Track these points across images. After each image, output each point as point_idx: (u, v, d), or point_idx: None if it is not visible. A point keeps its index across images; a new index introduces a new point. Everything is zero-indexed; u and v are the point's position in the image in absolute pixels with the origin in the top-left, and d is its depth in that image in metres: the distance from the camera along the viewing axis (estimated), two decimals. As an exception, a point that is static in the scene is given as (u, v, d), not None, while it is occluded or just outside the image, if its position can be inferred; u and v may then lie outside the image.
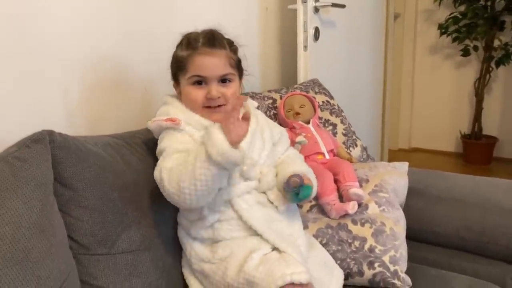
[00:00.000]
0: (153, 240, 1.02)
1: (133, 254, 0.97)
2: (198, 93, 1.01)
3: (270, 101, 1.57)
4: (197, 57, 1.00)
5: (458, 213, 1.35)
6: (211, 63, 1.00)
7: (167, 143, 0.99)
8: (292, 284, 0.85)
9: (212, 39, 1.01)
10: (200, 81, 1.01)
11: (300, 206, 1.22)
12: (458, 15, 3.48)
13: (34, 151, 0.83)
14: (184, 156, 0.92)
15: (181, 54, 1.02)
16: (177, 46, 1.05)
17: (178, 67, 1.03)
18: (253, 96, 1.54)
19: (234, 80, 1.05)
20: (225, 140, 0.86)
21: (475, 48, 3.53)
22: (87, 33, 1.21)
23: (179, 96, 1.07)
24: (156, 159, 1.05)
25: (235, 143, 0.87)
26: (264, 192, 1.05)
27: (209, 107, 1.02)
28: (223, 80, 1.03)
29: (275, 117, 1.54)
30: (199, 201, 0.92)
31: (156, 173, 0.96)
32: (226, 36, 1.07)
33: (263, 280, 0.87)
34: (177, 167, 0.91)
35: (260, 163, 1.04)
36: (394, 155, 3.59)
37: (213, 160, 0.86)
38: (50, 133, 0.88)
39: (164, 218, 1.05)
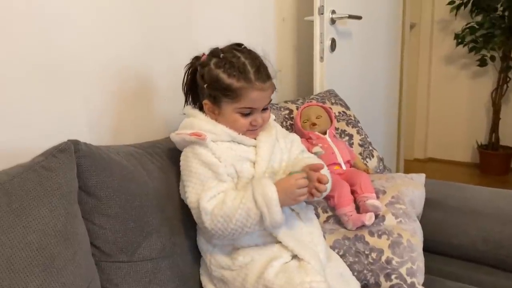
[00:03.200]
0: (172, 248, 1.03)
1: (153, 262, 0.99)
2: (245, 121, 1.05)
3: (287, 111, 1.59)
4: (253, 92, 1.02)
5: (475, 225, 1.34)
6: (264, 97, 1.05)
7: (196, 166, 1.01)
8: None
9: (264, 71, 1.04)
10: (249, 112, 1.05)
11: (317, 216, 1.23)
12: (475, 25, 3.46)
13: (60, 160, 0.86)
14: (231, 200, 0.97)
15: (232, 83, 1.01)
16: (219, 68, 1.03)
17: (226, 94, 1.03)
18: (270, 106, 1.55)
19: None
20: (281, 216, 0.96)
21: (492, 58, 3.50)
22: (108, 45, 1.24)
23: (209, 113, 1.08)
24: (176, 170, 1.08)
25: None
26: None
27: (250, 130, 1.07)
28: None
29: (292, 128, 1.55)
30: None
31: (192, 200, 1.00)
32: (258, 52, 1.09)
33: (282, 287, 0.88)
34: (224, 215, 0.96)
35: (280, 172, 1.07)
36: (410, 165, 3.57)
37: (264, 226, 0.97)
38: (75, 142, 0.91)
39: (184, 226, 1.07)
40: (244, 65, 1.02)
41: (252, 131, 1.08)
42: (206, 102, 1.07)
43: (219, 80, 1.02)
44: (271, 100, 1.09)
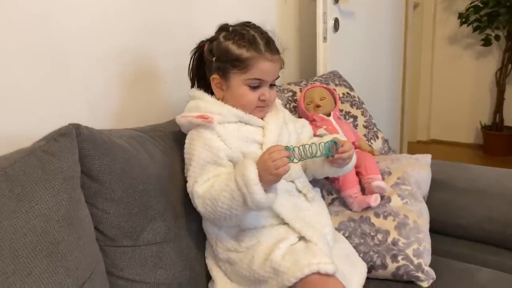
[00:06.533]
0: (177, 232, 1.03)
1: (158, 246, 0.98)
2: (254, 96, 1.04)
3: (290, 93, 1.57)
4: (263, 62, 1.01)
5: (481, 205, 1.33)
6: (273, 69, 1.04)
7: (199, 149, 1.00)
8: (318, 273, 0.86)
9: (273, 45, 1.04)
10: (258, 84, 1.04)
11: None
12: (479, 4, 3.41)
13: (61, 144, 0.84)
14: (219, 183, 0.95)
15: (242, 53, 1.01)
16: (228, 40, 1.02)
17: (235, 65, 1.02)
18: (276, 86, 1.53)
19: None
20: (264, 196, 0.90)
21: (497, 37, 3.46)
22: (108, 28, 1.22)
23: (216, 89, 1.07)
24: (179, 153, 1.07)
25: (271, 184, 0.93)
26: (292, 181, 1.07)
27: (258, 107, 1.06)
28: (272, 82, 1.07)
29: (295, 110, 1.53)
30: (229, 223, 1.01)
31: (189, 184, 1.00)
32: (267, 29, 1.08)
33: (289, 269, 0.88)
34: (211, 198, 0.94)
35: None
36: (413, 147, 3.55)
37: (249, 207, 0.91)
38: (77, 126, 0.89)
39: (188, 210, 1.06)
40: (254, 37, 1.02)
41: (261, 108, 1.07)
42: (214, 77, 1.06)
43: (228, 51, 1.02)
44: (278, 77, 1.07)
